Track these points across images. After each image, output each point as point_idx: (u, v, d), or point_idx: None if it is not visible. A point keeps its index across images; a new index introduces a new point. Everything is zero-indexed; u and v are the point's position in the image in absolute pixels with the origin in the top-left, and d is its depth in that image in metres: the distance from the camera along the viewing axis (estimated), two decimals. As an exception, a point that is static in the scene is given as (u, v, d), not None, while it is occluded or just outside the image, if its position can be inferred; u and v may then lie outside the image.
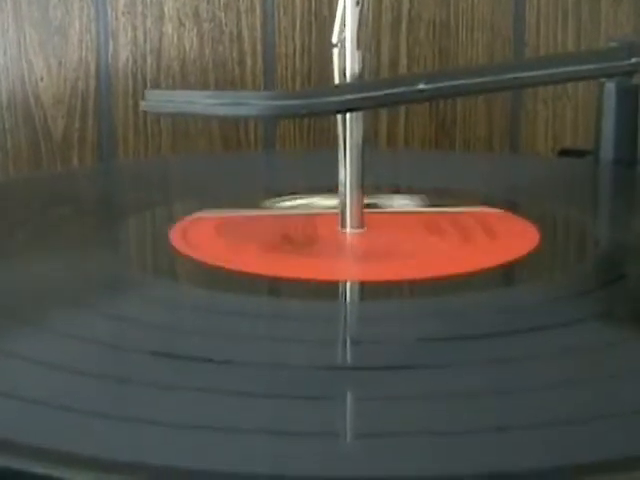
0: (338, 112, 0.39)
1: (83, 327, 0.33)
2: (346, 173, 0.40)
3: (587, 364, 0.29)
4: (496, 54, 0.69)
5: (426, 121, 0.69)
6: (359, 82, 0.40)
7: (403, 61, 0.68)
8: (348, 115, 0.40)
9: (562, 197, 0.49)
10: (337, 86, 0.39)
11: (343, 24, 0.39)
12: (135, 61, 0.66)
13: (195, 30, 0.66)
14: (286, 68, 0.67)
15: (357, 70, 0.40)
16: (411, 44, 0.68)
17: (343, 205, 0.41)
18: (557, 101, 0.69)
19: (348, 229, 0.41)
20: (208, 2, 0.66)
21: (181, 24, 0.66)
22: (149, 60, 0.66)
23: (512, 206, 0.46)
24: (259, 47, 0.67)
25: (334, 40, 0.39)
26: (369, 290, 0.37)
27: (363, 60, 0.40)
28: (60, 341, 0.32)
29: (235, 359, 0.30)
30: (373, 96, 0.37)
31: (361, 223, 0.41)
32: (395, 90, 0.37)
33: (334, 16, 0.67)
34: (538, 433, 0.25)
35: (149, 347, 0.31)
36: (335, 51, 0.39)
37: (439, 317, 0.33)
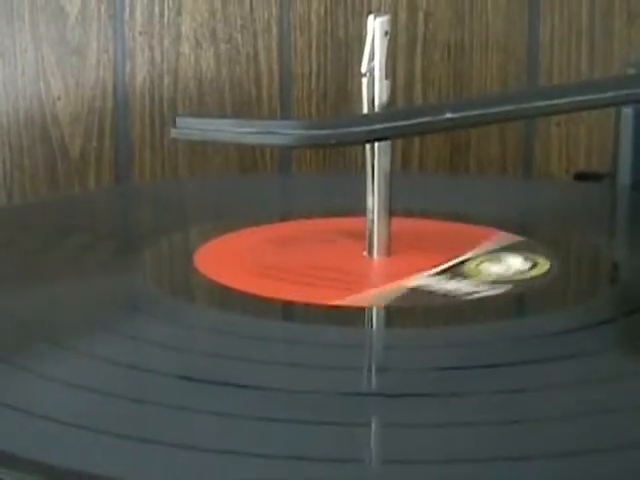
0: (367, 142, 0.39)
1: (105, 349, 0.33)
2: (374, 200, 0.41)
3: (607, 395, 0.30)
4: (510, 75, 0.70)
5: (440, 143, 0.69)
6: (388, 111, 0.40)
7: (418, 83, 0.69)
8: (377, 144, 0.40)
9: (580, 223, 0.49)
10: (367, 115, 0.40)
11: (372, 54, 0.40)
12: (152, 81, 0.67)
13: (212, 50, 0.67)
14: (302, 89, 0.68)
15: (385, 99, 0.40)
16: (426, 66, 0.69)
17: (370, 232, 0.41)
18: (570, 123, 0.70)
19: (375, 256, 0.41)
20: (225, 23, 0.67)
21: (198, 44, 0.67)
22: (166, 80, 0.67)
23: (530, 232, 0.46)
24: (275, 68, 0.68)
25: (363, 70, 0.40)
26: (392, 317, 0.37)
27: (391, 89, 0.40)
28: (83, 362, 0.32)
29: (255, 384, 0.30)
30: (401, 125, 0.38)
31: (388, 250, 0.41)
32: (423, 119, 0.38)
33: (349, 37, 0.68)
34: (558, 463, 0.25)
35: (171, 370, 0.31)
36: (364, 80, 0.40)
37: (459, 345, 0.33)
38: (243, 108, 0.67)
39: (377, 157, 0.40)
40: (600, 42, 0.70)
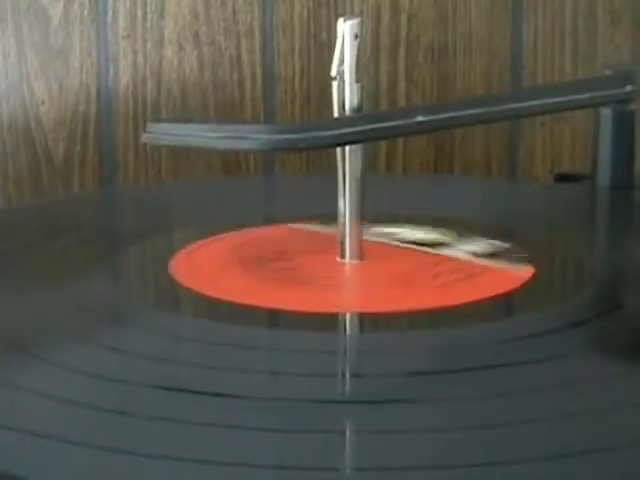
0: (337, 145, 0.39)
1: (83, 359, 0.33)
2: (345, 204, 0.41)
3: (585, 397, 0.30)
4: (494, 77, 0.70)
5: (424, 145, 0.69)
6: (357, 115, 0.40)
7: (401, 84, 0.69)
8: (347, 147, 0.40)
9: (559, 224, 0.49)
10: (336, 119, 0.40)
11: (342, 57, 0.40)
12: (135, 85, 0.67)
13: (195, 54, 0.67)
14: (285, 91, 0.68)
15: (356, 103, 0.40)
16: (409, 67, 0.69)
17: (342, 236, 0.41)
18: (555, 124, 0.70)
19: (347, 260, 0.41)
20: (208, 26, 0.67)
21: (181, 48, 0.67)
22: (149, 84, 0.67)
23: (510, 233, 0.46)
24: (258, 70, 0.68)
25: (333, 73, 0.40)
26: (367, 322, 0.37)
27: (362, 92, 0.40)
28: (61, 373, 0.32)
29: (234, 392, 0.30)
30: (371, 129, 0.38)
31: (360, 254, 0.41)
32: (393, 123, 0.38)
33: (332, 39, 0.68)
34: (536, 467, 0.25)
35: (150, 380, 0.31)
36: (334, 84, 0.40)
37: (437, 350, 0.33)
38: (227, 111, 0.67)
39: (348, 160, 0.40)
40: (584, 43, 0.70)
